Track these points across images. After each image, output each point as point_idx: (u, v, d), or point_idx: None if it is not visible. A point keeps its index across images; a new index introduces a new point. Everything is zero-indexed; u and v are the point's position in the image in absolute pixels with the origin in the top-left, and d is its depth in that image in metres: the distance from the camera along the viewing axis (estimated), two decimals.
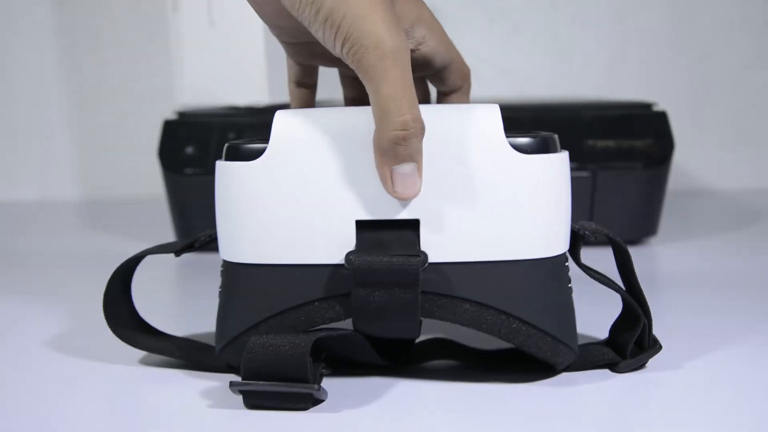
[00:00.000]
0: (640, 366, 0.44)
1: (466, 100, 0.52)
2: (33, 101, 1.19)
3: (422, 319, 0.41)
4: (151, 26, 1.15)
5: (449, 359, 0.45)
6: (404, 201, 0.40)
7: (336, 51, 0.40)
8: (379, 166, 0.40)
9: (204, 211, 0.78)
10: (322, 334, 0.40)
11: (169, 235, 0.82)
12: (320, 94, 0.57)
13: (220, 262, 0.44)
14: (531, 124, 0.75)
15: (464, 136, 0.40)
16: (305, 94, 0.53)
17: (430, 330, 0.48)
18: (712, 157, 1.18)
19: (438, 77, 0.50)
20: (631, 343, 0.43)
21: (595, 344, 0.45)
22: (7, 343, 0.51)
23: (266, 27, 0.48)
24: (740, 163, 1.18)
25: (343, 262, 0.40)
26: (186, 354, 0.45)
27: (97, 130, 1.19)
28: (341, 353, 0.43)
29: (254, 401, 0.39)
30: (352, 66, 0.40)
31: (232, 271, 0.43)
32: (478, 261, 0.40)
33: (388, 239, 0.40)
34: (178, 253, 0.46)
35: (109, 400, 0.42)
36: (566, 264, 0.43)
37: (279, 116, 0.41)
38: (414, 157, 0.39)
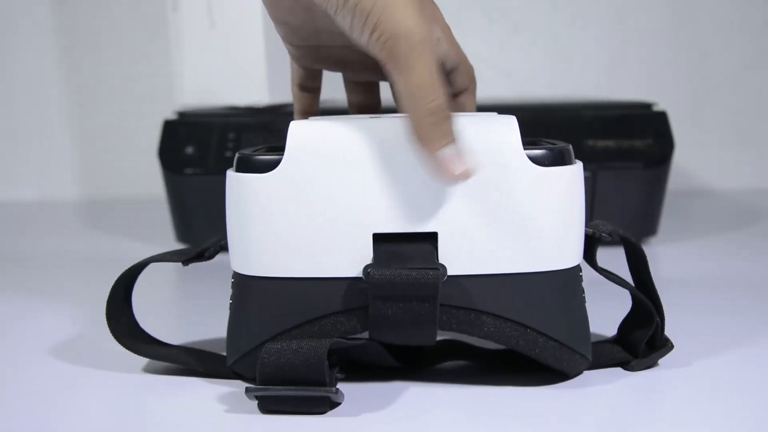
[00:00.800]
0: (652, 365, 0.44)
1: (473, 100, 0.53)
2: (33, 101, 1.19)
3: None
4: (151, 26, 1.15)
5: (462, 360, 0.45)
6: (460, 181, 0.39)
7: (363, 39, 0.40)
8: (425, 158, 0.39)
9: (204, 211, 0.78)
10: (338, 340, 0.40)
11: (169, 236, 0.82)
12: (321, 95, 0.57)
13: (227, 271, 0.43)
14: (531, 124, 0.75)
15: (482, 149, 0.40)
16: (309, 98, 0.53)
17: (441, 332, 0.48)
18: (712, 157, 1.18)
19: (447, 78, 0.50)
20: (643, 342, 0.43)
21: (605, 343, 0.45)
22: (6, 344, 0.51)
23: (267, 28, 0.48)
24: (740, 163, 1.18)
25: (360, 275, 0.40)
26: (191, 361, 0.45)
27: (97, 130, 1.19)
28: (354, 356, 0.43)
29: (270, 406, 0.39)
30: (379, 55, 0.39)
31: (245, 284, 0.42)
32: (496, 274, 0.40)
33: (406, 252, 0.40)
34: (186, 263, 0.45)
35: (120, 407, 0.41)
36: (580, 274, 0.43)
37: (294, 127, 0.41)
38: (452, 138, 0.39)
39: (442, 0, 0.51)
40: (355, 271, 0.40)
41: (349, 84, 0.53)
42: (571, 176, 0.41)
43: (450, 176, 0.39)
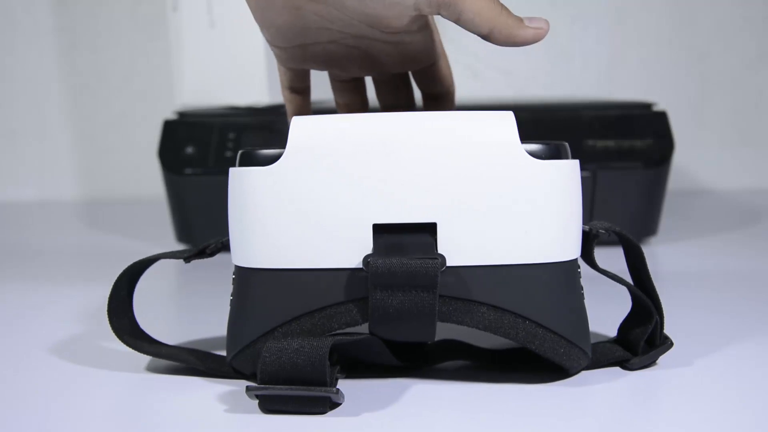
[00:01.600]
0: (651, 363, 0.44)
1: (452, 107, 0.53)
2: (33, 101, 1.19)
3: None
4: (151, 26, 1.15)
5: (462, 359, 0.45)
6: (538, 40, 0.44)
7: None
8: (515, 37, 0.44)
9: (204, 211, 0.78)
10: (339, 338, 0.40)
11: (169, 236, 0.82)
12: (314, 95, 0.57)
13: (228, 267, 0.43)
14: (531, 124, 0.75)
15: (480, 142, 0.40)
16: (299, 99, 0.54)
17: (441, 332, 0.48)
18: (712, 157, 1.18)
19: (428, 75, 0.51)
20: (642, 340, 0.44)
21: (604, 343, 0.45)
22: (6, 343, 0.51)
23: None
24: (740, 163, 1.18)
25: (359, 266, 0.40)
26: (192, 359, 0.44)
27: (97, 130, 1.19)
28: (355, 355, 0.43)
29: (271, 406, 0.39)
30: (429, 7, 0.43)
31: (246, 277, 0.42)
32: (495, 265, 0.41)
33: (405, 242, 0.40)
34: (188, 260, 0.45)
35: (120, 406, 0.41)
36: (578, 269, 0.43)
37: (296, 122, 0.41)
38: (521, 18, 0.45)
39: None
40: (356, 261, 0.41)
41: (336, 84, 0.54)
42: (568, 170, 0.42)
43: (544, 32, 0.45)
